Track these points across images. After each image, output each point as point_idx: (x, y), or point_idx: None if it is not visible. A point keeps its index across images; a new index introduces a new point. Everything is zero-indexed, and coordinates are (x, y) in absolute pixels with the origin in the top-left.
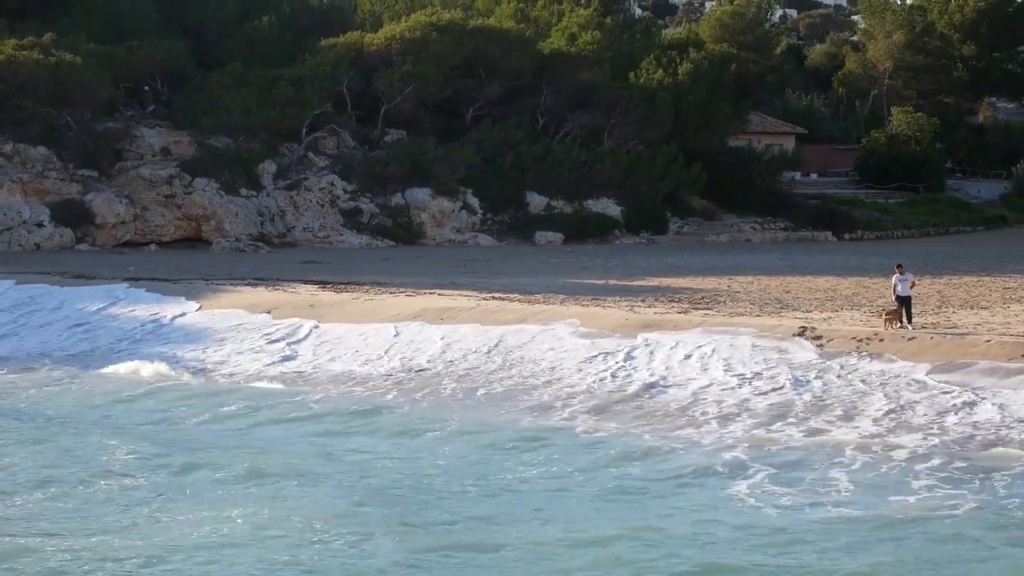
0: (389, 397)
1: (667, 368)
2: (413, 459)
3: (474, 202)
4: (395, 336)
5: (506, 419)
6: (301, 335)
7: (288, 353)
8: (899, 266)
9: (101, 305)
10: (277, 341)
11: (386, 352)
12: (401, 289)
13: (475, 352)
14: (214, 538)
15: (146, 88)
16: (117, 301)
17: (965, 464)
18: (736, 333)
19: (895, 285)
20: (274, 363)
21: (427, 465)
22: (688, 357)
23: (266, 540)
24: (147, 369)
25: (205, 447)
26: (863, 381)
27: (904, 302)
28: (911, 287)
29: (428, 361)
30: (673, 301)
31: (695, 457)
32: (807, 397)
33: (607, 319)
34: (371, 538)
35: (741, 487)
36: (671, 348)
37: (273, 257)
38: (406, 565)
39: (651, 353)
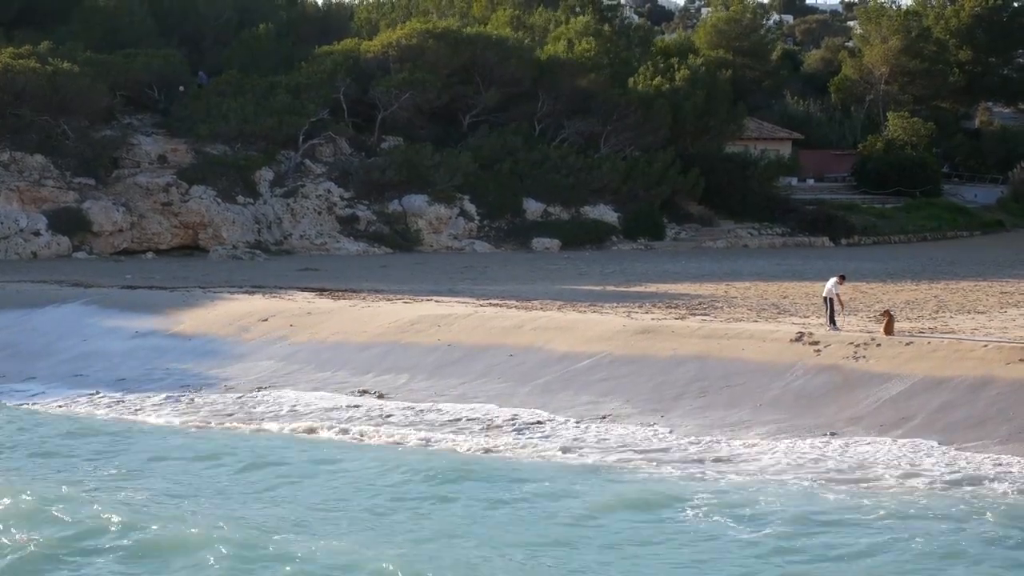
0: None
1: None
2: None
3: (471, 209)
4: None
5: None
6: None
7: None
8: (841, 276)
9: None
10: None
11: None
12: (399, 296)
13: None
14: None
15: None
16: None
17: None
18: None
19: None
20: None
21: None
22: None
23: None
24: None
25: None
26: None
27: (828, 304)
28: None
29: None
30: (671, 307)
31: None
32: None
33: (606, 325)
34: None
35: None
36: None
37: (270, 264)
38: None
39: None
